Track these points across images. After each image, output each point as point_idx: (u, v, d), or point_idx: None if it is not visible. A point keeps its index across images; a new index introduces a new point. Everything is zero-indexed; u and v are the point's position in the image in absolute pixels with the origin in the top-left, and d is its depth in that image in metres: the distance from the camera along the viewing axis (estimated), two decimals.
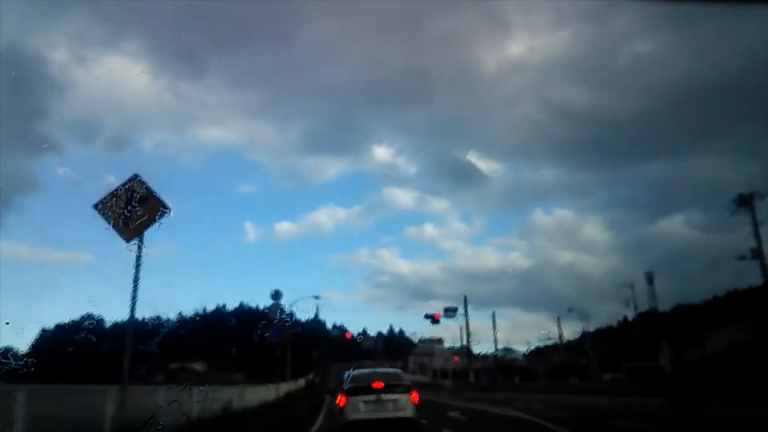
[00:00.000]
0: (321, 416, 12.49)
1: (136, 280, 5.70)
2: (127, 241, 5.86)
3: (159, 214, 5.86)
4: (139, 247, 5.86)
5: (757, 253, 18.85)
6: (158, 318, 7.87)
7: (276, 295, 17.56)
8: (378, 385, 8.33)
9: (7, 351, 6.00)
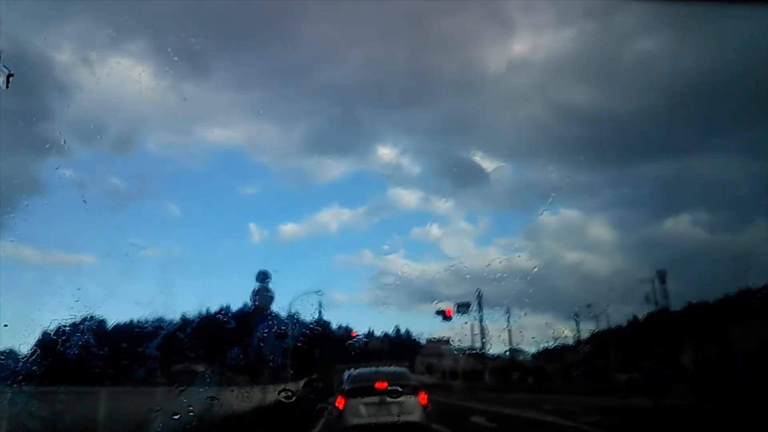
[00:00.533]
0: (321, 422, 11.66)
1: None
2: None
3: None
4: None
5: None
6: (161, 319, 7.78)
7: (263, 276, 13.15)
8: (381, 385, 7.53)
9: (9, 353, 5.93)
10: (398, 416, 7.38)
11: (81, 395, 5.97)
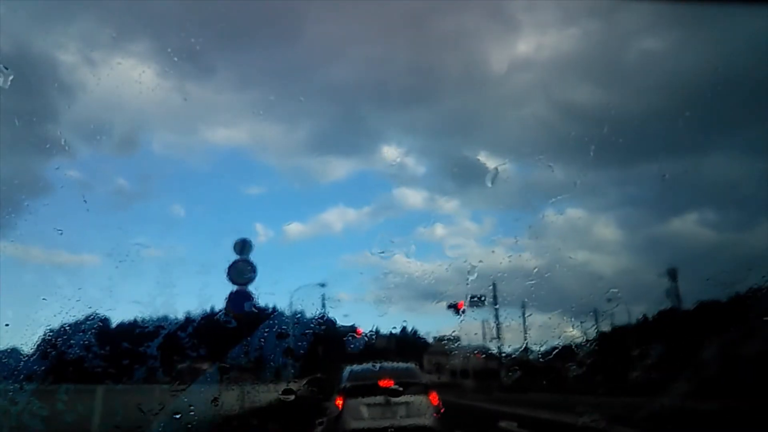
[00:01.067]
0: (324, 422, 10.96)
1: None
2: None
3: None
4: None
5: None
6: (165, 318, 7.77)
7: (241, 246, 9.65)
8: (386, 383, 6.69)
9: (11, 352, 5.93)
10: (405, 419, 6.47)
11: (81, 394, 5.97)
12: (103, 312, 6.68)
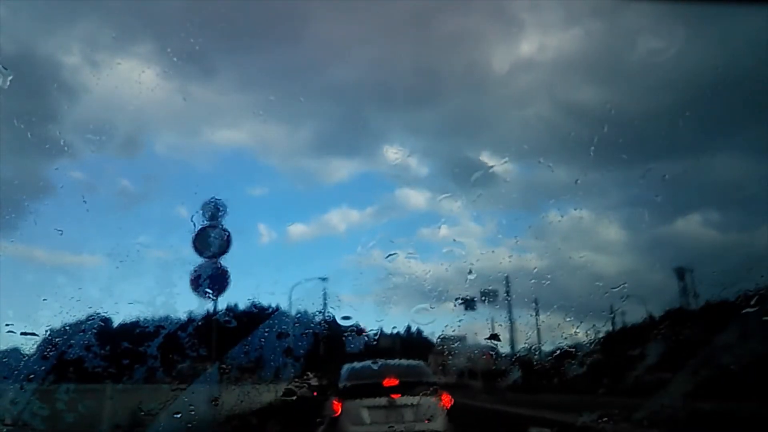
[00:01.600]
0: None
1: None
2: None
3: None
4: None
5: None
6: (167, 317, 7.77)
7: (213, 212, 7.53)
8: (391, 382, 5.88)
9: (11, 352, 5.94)
10: (413, 423, 5.66)
11: (81, 393, 5.98)
12: (103, 312, 6.70)
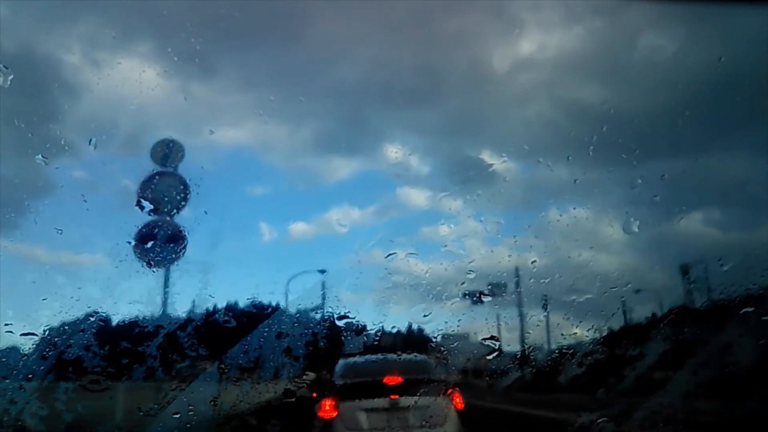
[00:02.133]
0: None
1: None
2: None
3: None
4: None
5: None
6: (168, 317, 7.78)
7: (165, 153, 5.91)
8: (393, 380, 5.15)
9: (11, 351, 5.96)
10: (420, 429, 4.85)
11: (80, 393, 6.00)
12: (103, 312, 6.71)
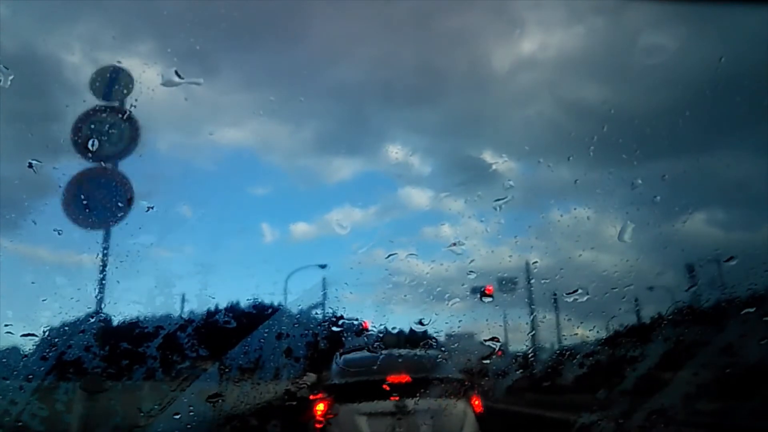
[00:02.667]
0: None
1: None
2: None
3: None
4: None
5: None
6: (169, 317, 7.79)
7: (107, 80, 4.55)
8: (399, 378, 4.30)
9: (11, 351, 5.97)
10: None
11: (80, 393, 6.01)
12: (103, 312, 6.72)
